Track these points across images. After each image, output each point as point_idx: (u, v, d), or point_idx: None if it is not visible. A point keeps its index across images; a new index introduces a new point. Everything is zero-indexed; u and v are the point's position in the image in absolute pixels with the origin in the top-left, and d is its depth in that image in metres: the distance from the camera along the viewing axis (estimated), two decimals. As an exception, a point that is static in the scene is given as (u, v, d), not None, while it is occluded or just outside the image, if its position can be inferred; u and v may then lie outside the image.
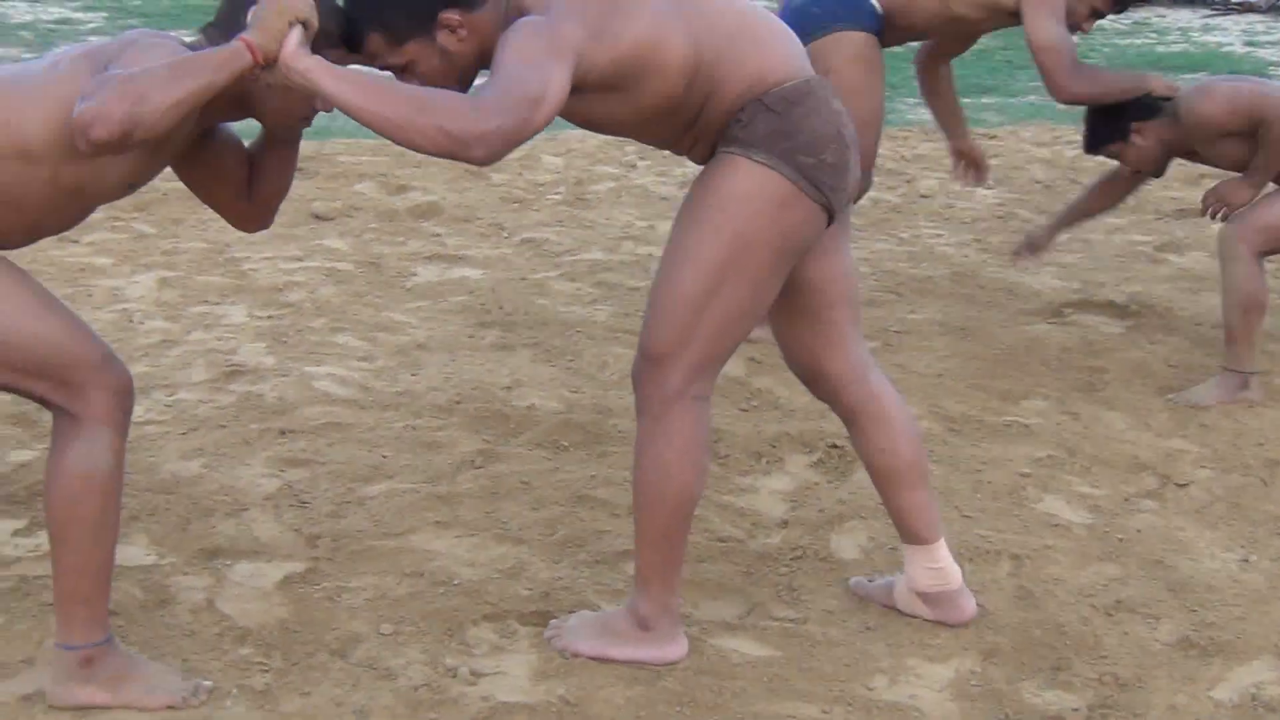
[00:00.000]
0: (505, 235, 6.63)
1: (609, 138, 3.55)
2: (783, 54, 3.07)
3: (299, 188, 7.07)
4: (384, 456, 4.20)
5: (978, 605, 3.43)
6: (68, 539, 2.94)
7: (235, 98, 2.93)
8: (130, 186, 2.98)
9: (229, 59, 2.75)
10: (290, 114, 2.98)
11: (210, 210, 3.35)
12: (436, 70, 2.97)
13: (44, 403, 2.95)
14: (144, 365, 4.86)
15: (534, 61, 2.78)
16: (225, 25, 2.93)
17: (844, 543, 3.80)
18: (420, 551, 3.67)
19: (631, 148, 8.27)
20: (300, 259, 6.09)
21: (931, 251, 6.48)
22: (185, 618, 3.35)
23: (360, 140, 8.17)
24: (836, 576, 3.62)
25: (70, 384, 2.91)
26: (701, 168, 3.14)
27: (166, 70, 2.68)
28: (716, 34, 3.01)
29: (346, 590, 3.48)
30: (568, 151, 8.14)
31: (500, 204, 7.17)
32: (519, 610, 3.41)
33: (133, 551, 3.63)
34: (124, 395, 2.97)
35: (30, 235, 2.99)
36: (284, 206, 6.42)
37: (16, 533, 3.69)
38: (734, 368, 4.92)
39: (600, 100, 2.98)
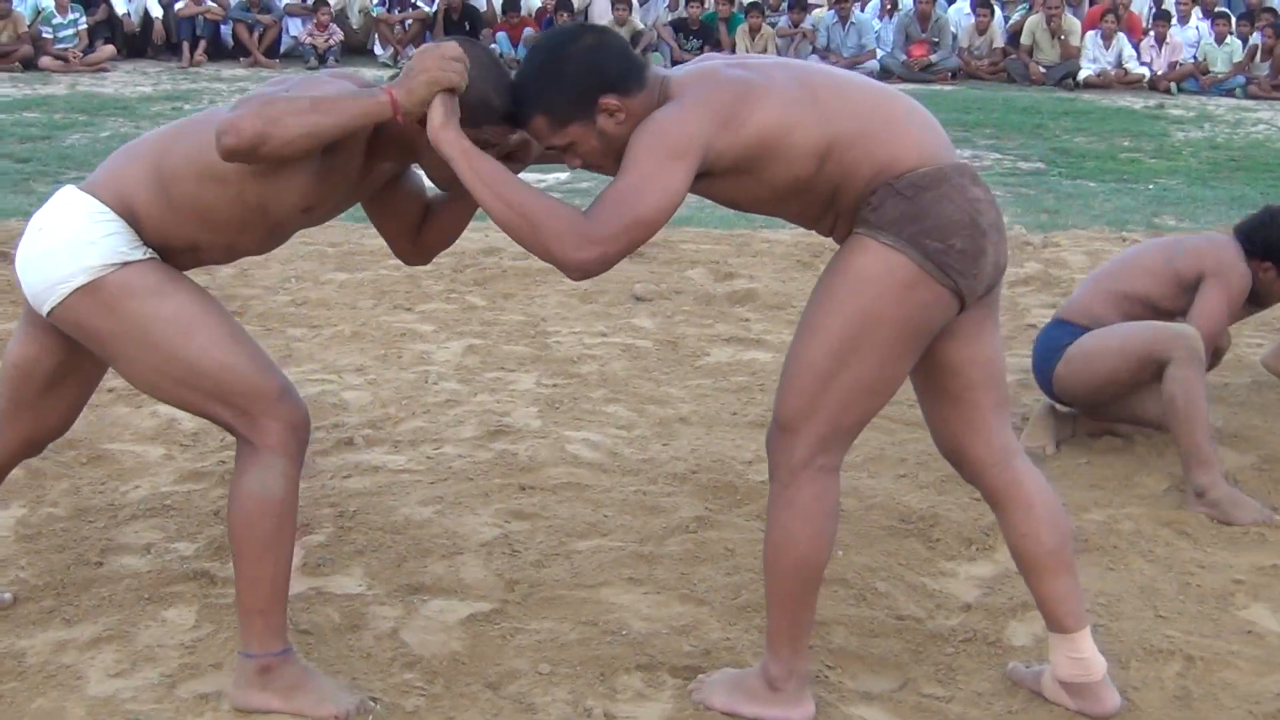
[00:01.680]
0: (812, 323, 6.77)
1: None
2: (918, 140, 3.16)
3: (628, 270, 7.42)
4: (605, 516, 4.43)
5: (1127, 700, 3.40)
6: (244, 555, 3.26)
7: (401, 144, 3.21)
8: (305, 211, 3.24)
9: (369, 109, 3.03)
10: (446, 170, 3.17)
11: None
12: (595, 150, 3.19)
13: (228, 428, 3.29)
14: (422, 420, 5.25)
15: (651, 170, 3.00)
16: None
17: (1020, 630, 3.80)
18: (604, 604, 3.87)
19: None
20: (605, 335, 6.40)
21: (1240, 360, 6.29)
22: (368, 642, 3.64)
23: (708, 230, 8.50)
24: (1000, 662, 3.63)
25: (249, 413, 3.23)
26: None
27: (308, 103, 2.98)
28: (851, 118, 3.12)
29: (522, 631, 3.71)
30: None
31: (819, 294, 7.32)
32: (674, 664, 3.56)
33: (346, 581, 3.97)
34: (298, 428, 3.27)
35: (229, 254, 3.36)
36: (608, 286, 6.86)
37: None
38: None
39: (733, 182, 3.15)
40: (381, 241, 3.87)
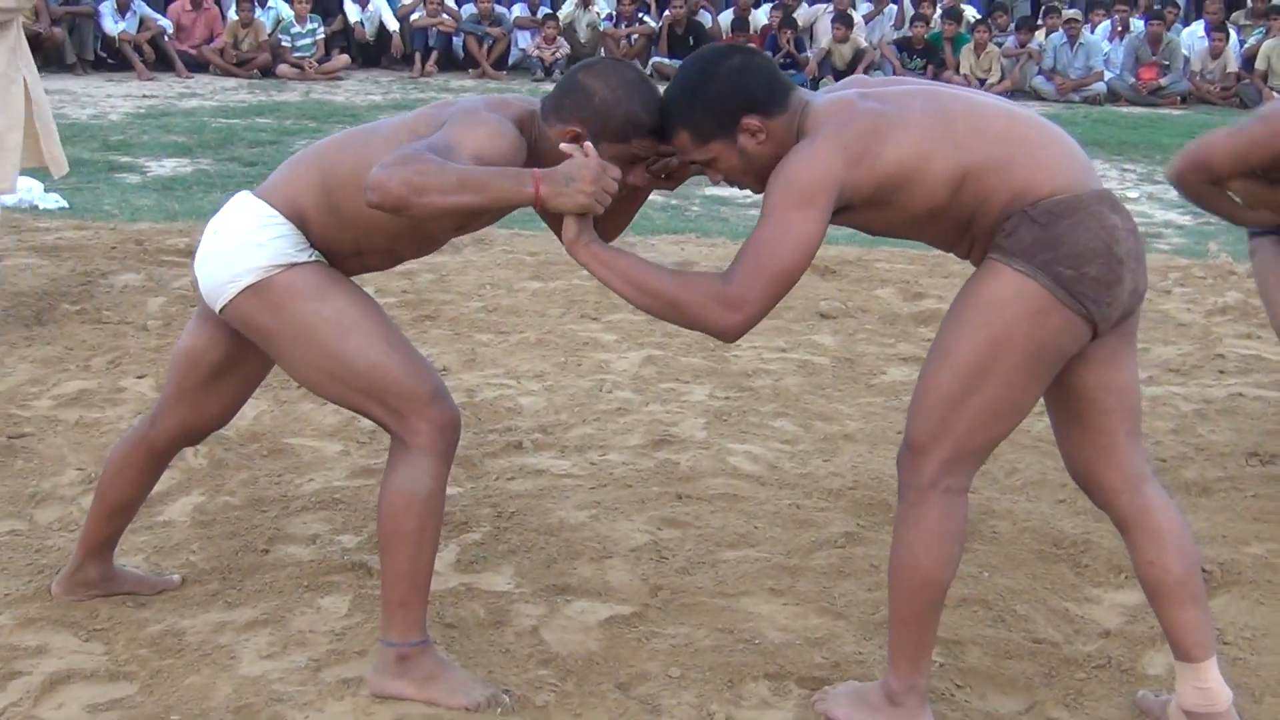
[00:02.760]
0: (995, 345, 6.75)
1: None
2: (1055, 166, 3.17)
3: (815, 287, 7.48)
4: (756, 527, 4.50)
5: (1254, 734, 3.37)
6: (389, 549, 3.42)
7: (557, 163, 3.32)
8: (459, 229, 3.47)
9: (512, 193, 3.11)
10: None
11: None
12: (735, 168, 3.29)
13: (382, 426, 3.45)
14: (591, 427, 5.37)
15: (786, 221, 3.08)
16: (552, 108, 3.34)
17: (1157, 659, 3.77)
18: (743, 612, 3.94)
19: (1174, 274, 8.21)
20: (783, 350, 6.46)
21: None
22: (509, 638, 3.77)
23: (904, 250, 8.48)
24: (1131, 690, 3.61)
25: (400, 413, 3.39)
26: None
27: (455, 177, 3.06)
28: (987, 145, 3.16)
29: (658, 635, 3.81)
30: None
31: (1007, 317, 7.28)
32: (802, 674, 3.62)
33: (495, 579, 4.11)
34: (448, 429, 3.42)
35: (387, 260, 3.56)
36: (794, 303, 6.92)
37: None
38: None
39: (870, 213, 3.22)
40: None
